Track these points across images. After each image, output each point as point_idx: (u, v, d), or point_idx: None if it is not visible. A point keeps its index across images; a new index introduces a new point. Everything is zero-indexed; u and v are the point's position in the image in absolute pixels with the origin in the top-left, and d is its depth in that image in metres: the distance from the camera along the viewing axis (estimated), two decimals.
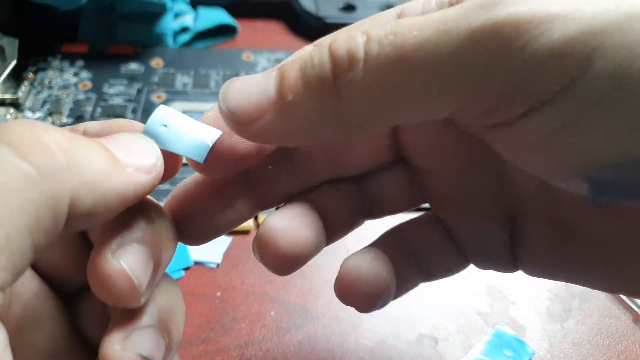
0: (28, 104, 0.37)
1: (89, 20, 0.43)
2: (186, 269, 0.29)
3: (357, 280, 0.17)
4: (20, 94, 0.37)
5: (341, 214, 0.18)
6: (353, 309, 0.28)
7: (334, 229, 0.18)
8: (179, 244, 0.30)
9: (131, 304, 0.14)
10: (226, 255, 0.30)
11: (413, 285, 0.19)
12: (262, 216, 0.32)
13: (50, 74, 0.40)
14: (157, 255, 0.15)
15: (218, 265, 0.30)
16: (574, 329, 0.28)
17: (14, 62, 0.36)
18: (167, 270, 0.29)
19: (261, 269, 0.30)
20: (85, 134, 0.15)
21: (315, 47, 0.14)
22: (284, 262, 0.17)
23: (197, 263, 0.29)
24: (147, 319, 0.15)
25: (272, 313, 0.28)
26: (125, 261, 0.14)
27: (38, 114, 0.36)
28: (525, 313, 0.29)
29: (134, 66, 0.41)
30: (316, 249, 0.17)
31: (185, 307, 0.27)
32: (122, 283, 0.14)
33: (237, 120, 0.14)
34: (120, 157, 0.13)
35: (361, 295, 0.17)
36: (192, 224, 0.17)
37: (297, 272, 0.29)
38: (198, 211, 0.17)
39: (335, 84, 0.13)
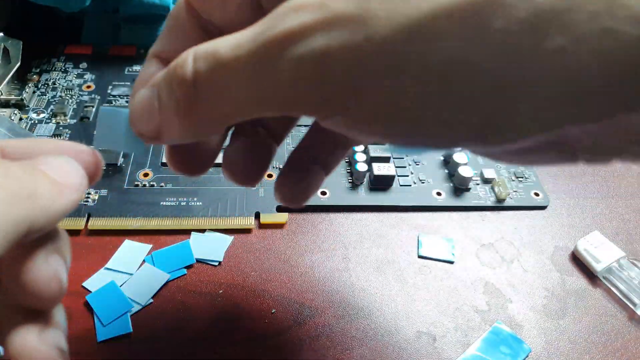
0: (32, 105, 0.38)
1: (92, 22, 0.43)
2: (188, 267, 0.30)
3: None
4: (24, 95, 0.37)
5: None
6: (352, 307, 0.28)
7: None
8: (182, 243, 0.31)
9: (54, 304, 0.17)
10: (227, 253, 0.31)
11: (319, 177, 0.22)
12: (263, 215, 0.32)
13: (54, 75, 0.40)
14: (67, 263, 0.17)
15: (220, 263, 0.30)
16: (571, 326, 0.29)
17: (18, 64, 0.37)
18: (171, 268, 0.30)
19: (262, 268, 0.30)
20: (3, 152, 0.17)
21: (167, 68, 0.16)
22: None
23: (199, 261, 0.30)
24: (55, 319, 0.17)
25: (273, 310, 0.28)
26: (55, 267, 0.16)
27: (42, 115, 0.37)
28: (522, 311, 0.29)
29: (137, 68, 0.41)
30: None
31: (188, 305, 0.28)
32: (54, 286, 0.16)
33: (149, 138, 0.17)
34: (58, 179, 0.16)
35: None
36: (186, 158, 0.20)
37: (297, 270, 0.30)
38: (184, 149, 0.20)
39: (183, 98, 0.15)
